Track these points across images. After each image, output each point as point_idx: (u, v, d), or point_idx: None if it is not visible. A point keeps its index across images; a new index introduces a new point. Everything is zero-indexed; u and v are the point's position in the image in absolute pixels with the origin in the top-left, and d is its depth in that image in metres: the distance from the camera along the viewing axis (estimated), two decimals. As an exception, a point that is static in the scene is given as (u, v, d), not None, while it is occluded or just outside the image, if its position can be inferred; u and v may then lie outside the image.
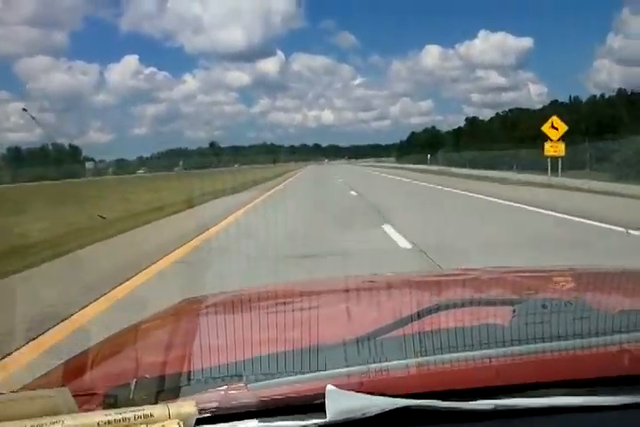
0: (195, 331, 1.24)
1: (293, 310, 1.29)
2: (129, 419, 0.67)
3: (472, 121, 78.02)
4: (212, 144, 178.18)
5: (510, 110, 74.43)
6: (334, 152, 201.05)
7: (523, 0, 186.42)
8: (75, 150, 75.80)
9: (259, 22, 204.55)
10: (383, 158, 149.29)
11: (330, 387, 0.72)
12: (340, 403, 0.71)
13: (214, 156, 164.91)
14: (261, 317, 1.24)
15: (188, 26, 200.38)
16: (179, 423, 0.68)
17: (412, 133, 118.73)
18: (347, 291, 1.55)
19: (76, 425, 0.66)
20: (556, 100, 68.68)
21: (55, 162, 64.04)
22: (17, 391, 0.81)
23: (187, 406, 0.70)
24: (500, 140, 64.57)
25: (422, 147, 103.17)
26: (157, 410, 0.69)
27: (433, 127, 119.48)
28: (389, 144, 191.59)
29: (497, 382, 0.78)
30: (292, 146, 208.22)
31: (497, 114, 77.19)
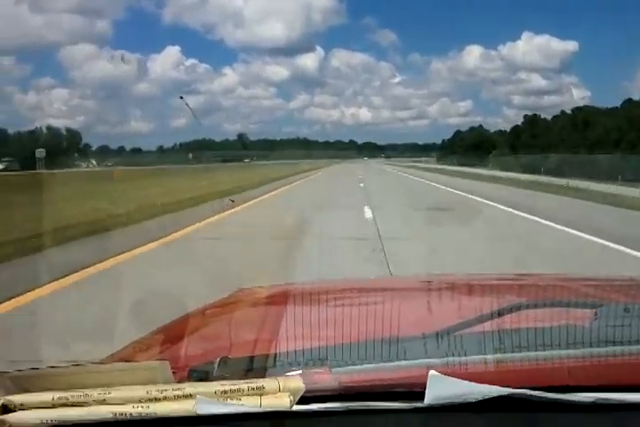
0: (270, 318, 1.24)
1: (370, 305, 1.33)
2: (243, 390, 0.71)
3: (532, 119, 66.70)
4: (241, 136, 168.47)
5: (578, 108, 63.09)
6: (370, 149, 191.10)
7: (567, 3, 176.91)
8: (73, 136, 67.45)
9: (299, 17, 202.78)
10: (422, 158, 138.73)
11: (433, 372, 0.74)
12: (441, 388, 0.72)
13: (243, 148, 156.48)
14: (340, 309, 1.29)
15: (229, 19, 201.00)
16: (289, 396, 0.71)
17: (457, 132, 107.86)
18: (424, 288, 1.56)
19: (197, 392, 0.70)
20: (630, 99, 57.24)
21: (45, 148, 55.16)
22: (115, 358, 0.99)
23: (295, 381, 0.73)
24: (569, 142, 53.59)
25: (468, 147, 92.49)
26: (268, 383, 0.72)
27: (480, 126, 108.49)
28: (428, 143, 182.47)
29: (576, 382, 0.78)
30: (326, 141, 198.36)
31: (562, 112, 65.88)
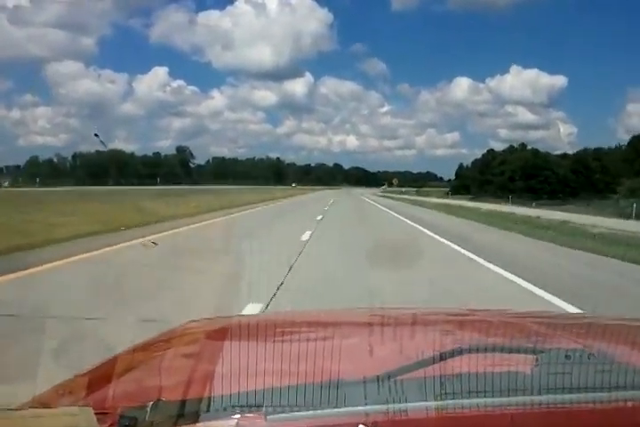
0: (212, 355, 1.22)
1: (311, 341, 1.33)
2: None
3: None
4: (181, 151, 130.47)
5: None
6: (358, 176, 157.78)
7: (557, 38, 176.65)
8: None
9: (289, 42, 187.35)
10: (424, 189, 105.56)
11: None
12: None
13: (181, 168, 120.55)
14: (280, 345, 1.27)
15: (217, 41, 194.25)
16: None
17: (490, 152, 74.07)
18: (367, 325, 1.57)
19: None
20: None
21: None
22: (36, 402, 0.93)
23: None
24: None
25: (515, 176, 58.92)
26: None
27: (523, 144, 75.19)
28: (422, 172, 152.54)
29: None
30: (307, 164, 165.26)
31: None
